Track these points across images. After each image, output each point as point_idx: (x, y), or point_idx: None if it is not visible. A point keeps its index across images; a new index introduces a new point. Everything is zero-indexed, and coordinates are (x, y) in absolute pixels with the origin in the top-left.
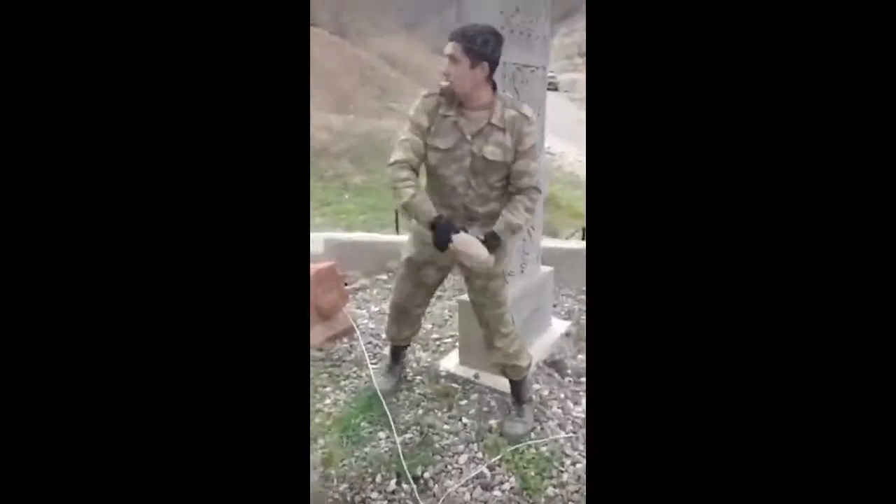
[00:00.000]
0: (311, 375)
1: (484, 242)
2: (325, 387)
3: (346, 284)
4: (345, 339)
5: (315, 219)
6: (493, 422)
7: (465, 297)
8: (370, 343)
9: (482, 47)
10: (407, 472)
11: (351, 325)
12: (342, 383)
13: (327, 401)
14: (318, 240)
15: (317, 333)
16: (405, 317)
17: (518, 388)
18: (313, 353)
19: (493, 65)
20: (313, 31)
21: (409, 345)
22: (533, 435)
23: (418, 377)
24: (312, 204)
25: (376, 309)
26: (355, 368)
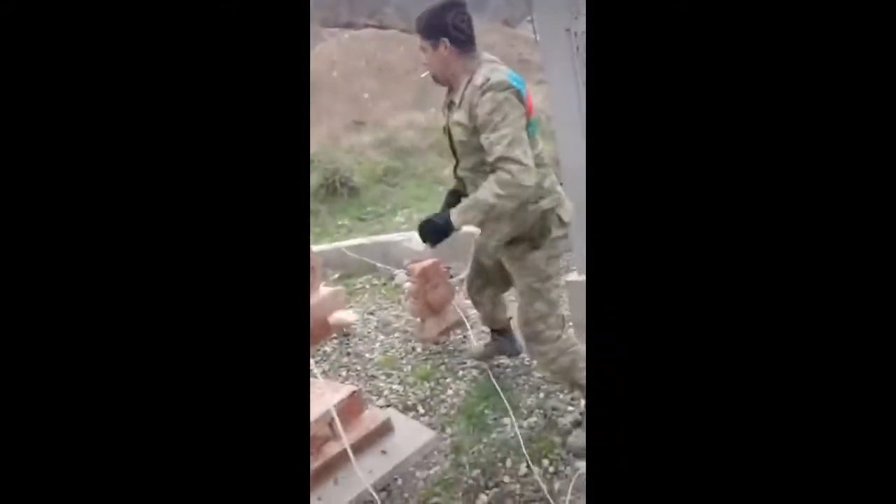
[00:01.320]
0: (430, 368)
1: (423, 226)
2: (445, 378)
3: (451, 277)
4: (457, 332)
5: (414, 215)
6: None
7: (573, 277)
8: (483, 331)
9: (434, 26)
10: (528, 458)
11: (461, 317)
12: (460, 374)
13: (449, 391)
14: (416, 239)
15: (430, 328)
16: (476, 302)
17: None
18: (430, 348)
19: (457, 37)
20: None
21: (506, 330)
22: None
23: (535, 361)
24: (408, 200)
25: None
26: (469, 361)
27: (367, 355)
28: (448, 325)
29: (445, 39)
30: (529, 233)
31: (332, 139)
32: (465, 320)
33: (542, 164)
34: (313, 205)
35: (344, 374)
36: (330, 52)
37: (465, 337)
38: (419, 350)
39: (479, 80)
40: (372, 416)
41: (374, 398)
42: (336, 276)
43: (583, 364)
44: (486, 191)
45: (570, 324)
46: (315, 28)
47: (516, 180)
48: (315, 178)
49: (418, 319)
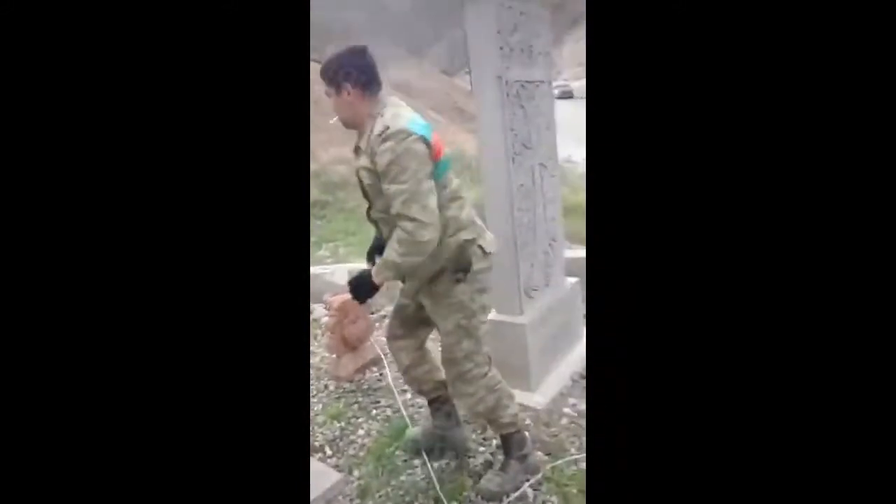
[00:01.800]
0: (342, 406)
1: (352, 285)
2: (357, 418)
3: (371, 313)
4: (374, 369)
5: (340, 249)
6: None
7: (495, 316)
8: (396, 372)
9: (336, 71)
10: (444, 498)
11: (378, 354)
12: (373, 412)
13: (360, 431)
14: (343, 270)
15: (345, 365)
16: (395, 354)
17: (505, 442)
18: (344, 385)
19: (359, 81)
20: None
21: (441, 398)
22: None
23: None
24: (335, 234)
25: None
26: (385, 398)
27: None
28: (364, 362)
29: (347, 84)
30: (451, 266)
31: None
32: (383, 357)
33: (457, 198)
34: None
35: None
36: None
37: (381, 374)
38: (332, 388)
39: (378, 127)
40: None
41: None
42: None
43: (507, 402)
44: (391, 250)
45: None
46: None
47: (413, 238)
48: None
49: (334, 356)
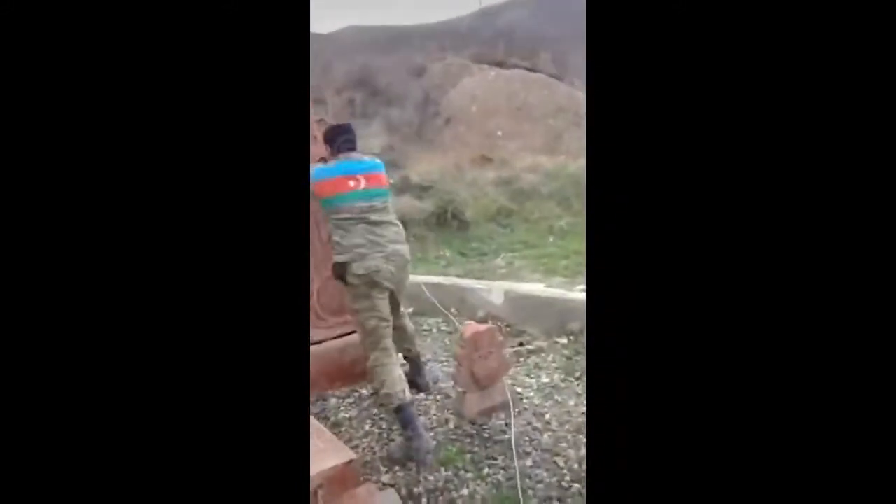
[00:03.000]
0: (455, 452)
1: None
2: (466, 471)
3: (520, 345)
4: (501, 416)
5: (516, 261)
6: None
7: None
8: (528, 425)
9: (326, 137)
10: None
11: (508, 399)
12: (485, 471)
13: (464, 490)
14: (500, 290)
15: (470, 404)
16: None
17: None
18: (463, 427)
19: (332, 145)
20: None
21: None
22: None
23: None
24: (515, 245)
25: (546, 380)
26: (503, 455)
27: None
28: (492, 404)
29: (327, 146)
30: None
31: (456, 169)
32: (511, 405)
33: (339, 228)
34: (421, 230)
35: (368, 426)
36: (474, 86)
37: (506, 424)
38: (452, 425)
39: None
40: (365, 495)
41: (379, 471)
42: (410, 310)
43: (382, 379)
44: None
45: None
46: (465, 62)
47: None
48: (429, 205)
49: (460, 390)
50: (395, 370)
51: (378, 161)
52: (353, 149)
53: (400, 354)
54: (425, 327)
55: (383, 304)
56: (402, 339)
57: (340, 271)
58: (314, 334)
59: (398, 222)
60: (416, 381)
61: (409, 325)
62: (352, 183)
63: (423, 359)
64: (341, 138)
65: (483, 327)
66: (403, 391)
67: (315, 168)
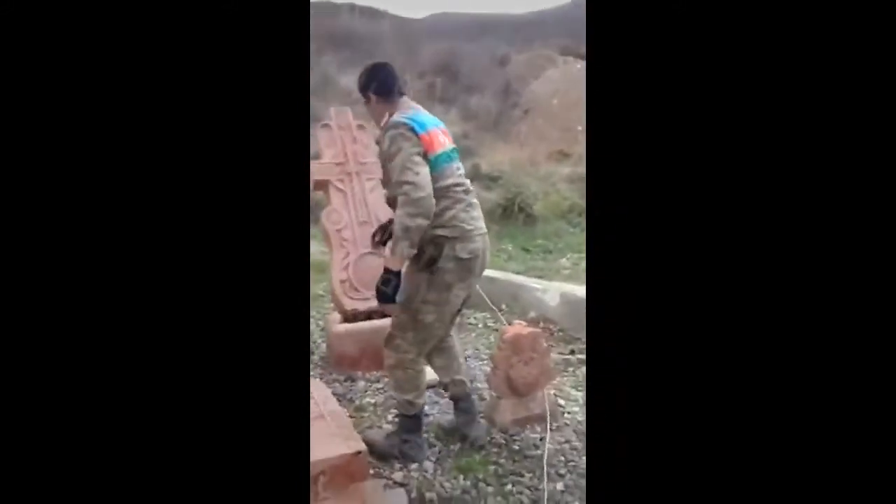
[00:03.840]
0: (479, 460)
1: (378, 285)
2: (488, 485)
3: (571, 353)
4: (537, 427)
5: (581, 263)
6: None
7: None
8: (566, 443)
9: (363, 83)
10: None
11: (545, 411)
12: (509, 487)
13: None
14: (556, 291)
15: (503, 410)
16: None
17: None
18: (493, 434)
19: (378, 91)
20: None
21: (453, 395)
22: None
23: None
24: (583, 247)
25: None
26: (532, 474)
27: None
28: (528, 415)
29: (370, 93)
30: (422, 253)
31: (531, 163)
32: (549, 418)
33: (447, 196)
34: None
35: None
36: (557, 79)
37: (541, 439)
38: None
39: (390, 120)
40: (371, 490)
41: (393, 466)
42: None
43: (414, 385)
44: (397, 219)
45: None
46: (549, 54)
47: (410, 197)
48: (496, 196)
49: (494, 394)
50: (425, 377)
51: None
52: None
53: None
54: (472, 321)
55: (458, 302)
56: (448, 364)
57: (435, 250)
58: (348, 304)
59: None
60: (466, 431)
61: (457, 345)
62: (444, 138)
63: (466, 354)
64: (393, 77)
65: (526, 330)
66: (424, 401)
67: (403, 117)
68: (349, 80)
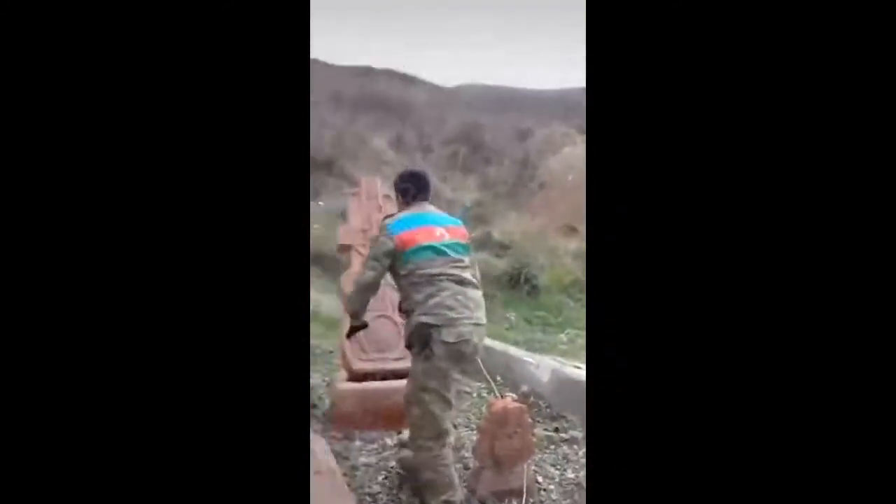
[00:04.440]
0: None
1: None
2: None
3: (556, 430)
4: (513, 502)
5: (579, 339)
6: None
7: None
8: None
9: (395, 184)
10: None
11: (523, 486)
12: None
13: None
14: (548, 367)
15: (484, 481)
16: None
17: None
18: (472, 503)
19: (403, 195)
20: None
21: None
22: None
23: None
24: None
25: (572, 476)
26: None
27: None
28: (507, 488)
29: (399, 194)
30: (410, 340)
31: (539, 234)
32: (526, 494)
33: (429, 283)
34: (492, 289)
35: (381, 476)
36: (573, 156)
37: None
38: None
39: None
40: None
41: None
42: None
43: (447, 484)
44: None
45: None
46: (569, 131)
47: (356, 285)
48: (504, 264)
49: (476, 464)
50: (454, 473)
51: (456, 217)
52: (427, 200)
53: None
54: (467, 389)
55: (456, 387)
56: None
57: (423, 337)
58: (356, 364)
59: (479, 285)
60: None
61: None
62: (437, 234)
63: (457, 421)
64: (418, 185)
65: (513, 404)
66: (460, 497)
67: (392, 221)
68: (381, 142)
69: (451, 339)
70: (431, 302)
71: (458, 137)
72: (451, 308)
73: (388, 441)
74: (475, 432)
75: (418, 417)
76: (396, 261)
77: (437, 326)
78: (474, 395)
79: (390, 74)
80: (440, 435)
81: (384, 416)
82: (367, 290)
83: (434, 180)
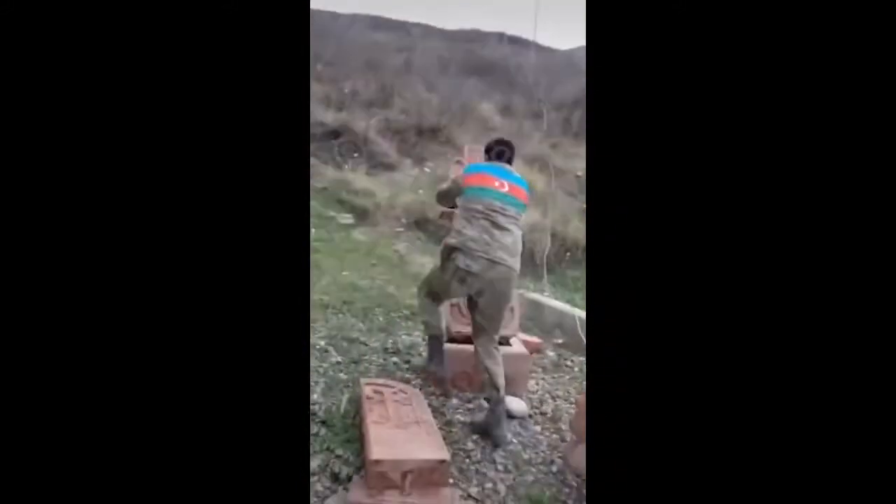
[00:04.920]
0: (548, 497)
1: None
2: None
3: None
4: None
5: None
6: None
7: None
8: None
9: (489, 148)
10: None
11: None
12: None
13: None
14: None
15: (580, 454)
16: None
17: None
18: (567, 476)
19: (487, 154)
20: None
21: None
22: None
23: None
24: None
25: None
26: None
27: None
28: None
29: (486, 154)
30: (440, 256)
31: None
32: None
33: (468, 218)
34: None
35: (476, 436)
36: None
37: None
38: (555, 468)
39: None
40: (447, 497)
41: (470, 481)
42: (559, 341)
43: (422, 311)
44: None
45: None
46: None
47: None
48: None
49: (573, 437)
50: (439, 312)
51: (525, 180)
52: (506, 161)
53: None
54: (568, 363)
55: (453, 295)
56: (494, 372)
57: (444, 253)
58: (454, 327)
59: (520, 234)
60: (490, 430)
61: (496, 361)
62: (496, 183)
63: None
64: (498, 148)
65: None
66: (440, 328)
67: (469, 165)
68: (489, 107)
69: (461, 265)
70: (464, 231)
71: (571, 104)
72: (474, 240)
73: (485, 403)
74: (572, 405)
75: (431, 272)
76: (460, 194)
77: (458, 250)
78: (575, 369)
79: (502, 38)
80: (428, 293)
81: (477, 380)
82: (443, 197)
83: (514, 149)
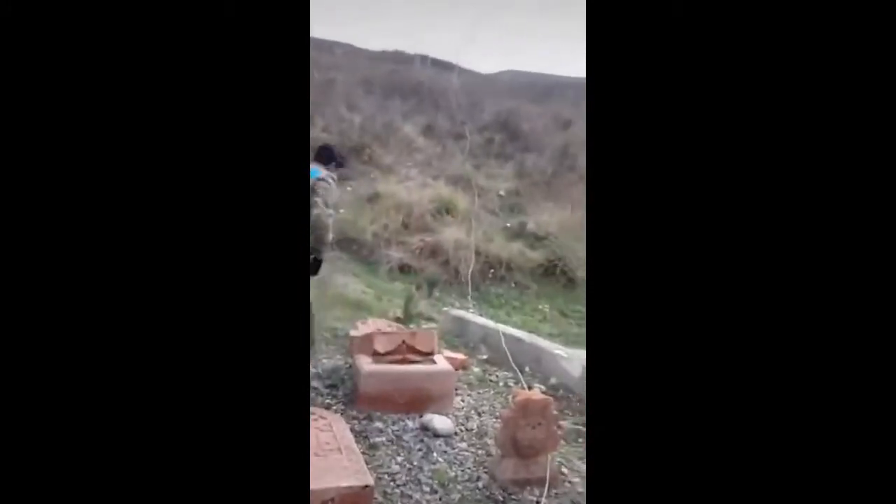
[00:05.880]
0: None
1: None
2: None
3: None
4: (535, 491)
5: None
6: None
7: None
8: None
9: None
10: None
11: (546, 475)
12: None
13: None
14: (580, 359)
15: (504, 468)
16: None
17: None
18: (492, 490)
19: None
20: None
21: None
22: None
23: None
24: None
25: None
26: None
27: (434, 453)
28: (528, 477)
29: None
30: None
31: (579, 226)
32: (548, 485)
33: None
34: (526, 280)
35: (401, 457)
36: None
37: (537, 502)
38: (481, 484)
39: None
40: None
41: None
42: (483, 356)
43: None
44: None
45: None
46: None
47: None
48: (539, 256)
49: (498, 451)
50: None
51: (317, 170)
52: (322, 162)
53: None
54: (493, 378)
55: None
56: None
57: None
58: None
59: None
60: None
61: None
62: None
63: (482, 409)
64: (329, 158)
65: (538, 397)
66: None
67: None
68: (412, 129)
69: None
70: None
71: (494, 125)
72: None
73: (410, 423)
74: (496, 420)
75: None
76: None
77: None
78: (500, 384)
79: (426, 60)
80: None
81: (404, 401)
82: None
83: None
